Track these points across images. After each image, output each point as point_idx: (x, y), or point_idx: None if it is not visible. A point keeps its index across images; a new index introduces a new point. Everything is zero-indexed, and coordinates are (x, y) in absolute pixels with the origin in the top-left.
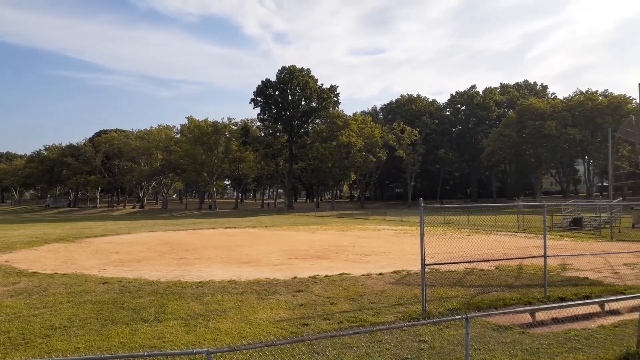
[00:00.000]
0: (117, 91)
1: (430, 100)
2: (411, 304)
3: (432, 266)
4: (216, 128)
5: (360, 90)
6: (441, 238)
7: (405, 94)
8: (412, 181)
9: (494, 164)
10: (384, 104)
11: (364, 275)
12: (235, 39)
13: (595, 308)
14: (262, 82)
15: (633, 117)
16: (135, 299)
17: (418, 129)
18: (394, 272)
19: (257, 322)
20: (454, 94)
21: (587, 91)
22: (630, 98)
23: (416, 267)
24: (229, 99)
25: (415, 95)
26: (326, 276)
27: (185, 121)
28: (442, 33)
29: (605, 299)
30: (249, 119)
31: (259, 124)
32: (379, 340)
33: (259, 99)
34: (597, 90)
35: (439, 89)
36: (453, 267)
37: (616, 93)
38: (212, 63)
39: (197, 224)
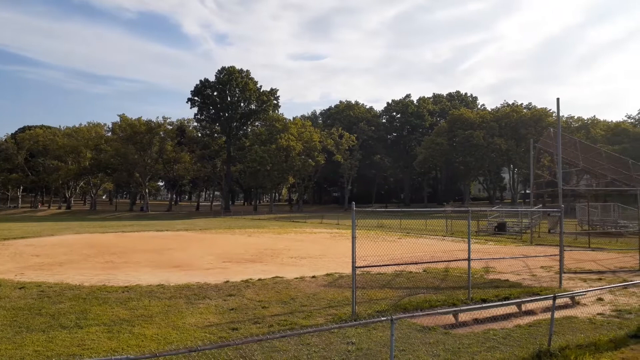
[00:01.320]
0: (45, 85)
1: (367, 107)
2: (342, 306)
3: (363, 269)
4: (150, 127)
5: (301, 94)
6: (373, 241)
7: (344, 100)
8: (349, 185)
9: (426, 170)
10: (324, 109)
11: (297, 278)
12: (175, 38)
13: (513, 309)
14: (200, 81)
15: (552, 129)
16: (55, 304)
17: (356, 135)
18: (327, 274)
19: (185, 327)
20: (390, 102)
21: (513, 103)
22: (551, 111)
23: (349, 269)
24: (167, 98)
25: (353, 102)
26: (259, 280)
27: (118, 119)
28: (379, 43)
29: (522, 300)
30: (186, 119)
31: (196, 124)
32: (308, 343)
33: (196, 98)
34: (522, 103)
35: (376, 97)
36: (383, 270)
37: (539, 106)
38: (150, 61)
39: (127, 226)
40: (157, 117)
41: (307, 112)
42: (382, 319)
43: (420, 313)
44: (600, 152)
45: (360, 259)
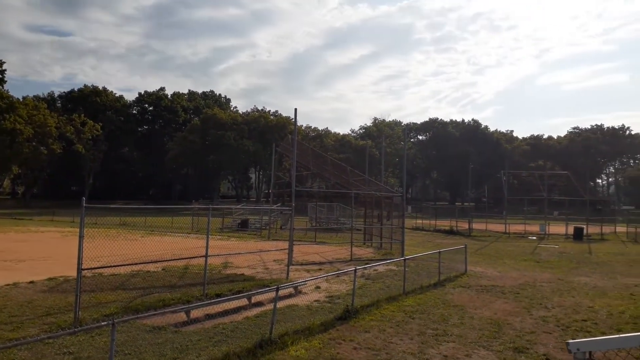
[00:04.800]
0: None
1: (117, 95)
2: (63, 313)
3: (94, 270)
4: None
5: (38, 73)
6: (112, 240)
7: (90, 84)
8: (90, 179)
9: (177, 167)
10: (65, 92)
11: (9, 285)
12: None
13: (244, 301)
14: None
15: (290, 136)
16: None
17: (101, 124)
18: (49, 279)
19: None
20: (142, 93)
21: (262, 109)
22: (293, 120)
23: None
24: None
25: (101, 88)
26: None
27: None
28: (136, 30)
29: (251, 293)
30: None
31: None
32: (13, 358)
33: None
34: (270, 110)
35: (128, 86)
36: (119, 270)
37: (284, 114)
38: None
39: None
40: None
41: (43, 92)
42: (103, 323)
43: (147, 314)
44: (327, 159)
45: (93, 260)
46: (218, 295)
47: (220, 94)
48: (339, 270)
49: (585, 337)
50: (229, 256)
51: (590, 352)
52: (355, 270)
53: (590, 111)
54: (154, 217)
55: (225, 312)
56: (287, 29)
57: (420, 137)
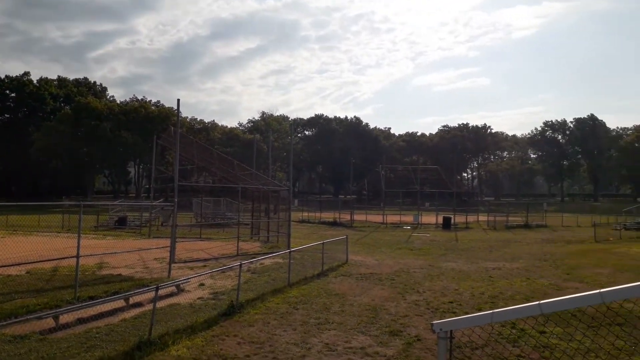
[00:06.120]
0: None
1: None
2: None
3: None
4: None
5: None
6: None
7: None
8: None
9: (45, 160)
10: None
11: None
12: None
13: (121, 303)
14: None
15: (173, 128)
16: None
17: None
18: None
19: None
20: (3, 78)
21: (142, 99)
22: (175, 111)
23: None
24: None
25: None
26: None
27: None
28: None
29: (128, 294)
30: None
31: None
32: None
33: None
34: (151, 100)
35: None
36: None
37: (168, 105)
38: None
39: None
40: None
41: None
42: None
43: (6, 322)
44: (213, 153)
45: None
46: (92, 298)
47: (95, 82)
48: (224, 265)
49: (451, 317)
50: (104, 256)
51: (451, 331)
52: (240, 265)
53: (458, 111)
54: (18, 215)
55: (100, 315)
56: (171, 17)
57: (306, 132)
